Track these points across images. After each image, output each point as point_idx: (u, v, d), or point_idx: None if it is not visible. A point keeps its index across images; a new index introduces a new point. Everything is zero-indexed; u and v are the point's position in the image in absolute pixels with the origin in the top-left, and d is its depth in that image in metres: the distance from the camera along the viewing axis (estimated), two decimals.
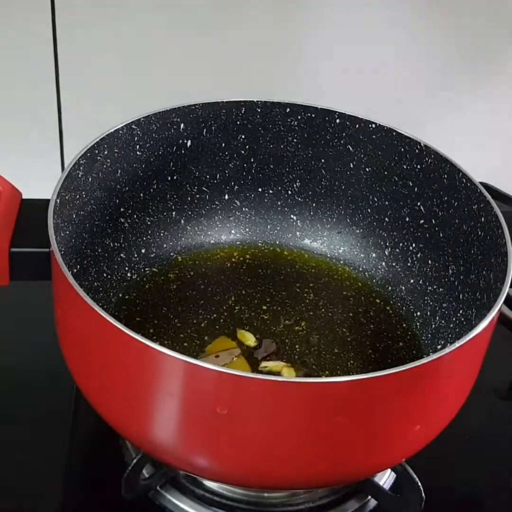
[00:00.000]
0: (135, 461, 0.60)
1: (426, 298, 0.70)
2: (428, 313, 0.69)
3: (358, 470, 0.57)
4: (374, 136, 0.70)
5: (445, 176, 0.66)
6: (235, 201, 0.75)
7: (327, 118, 0.70)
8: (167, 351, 0.48)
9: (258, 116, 0.71)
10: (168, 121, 0.69)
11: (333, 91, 0.86)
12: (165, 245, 0.74)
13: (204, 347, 0.66)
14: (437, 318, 0.68)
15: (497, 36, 0.85)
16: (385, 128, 0.69)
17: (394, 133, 0.69)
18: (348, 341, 0.68)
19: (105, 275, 0.69)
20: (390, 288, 0.73)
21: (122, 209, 0.70)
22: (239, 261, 0.75)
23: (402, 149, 0.68)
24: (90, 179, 0.64)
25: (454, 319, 0.65)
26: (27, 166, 0.84)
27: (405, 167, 0.69)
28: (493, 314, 0.53)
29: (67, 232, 0.62)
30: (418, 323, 0.70)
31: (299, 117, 0.71)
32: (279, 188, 0.75)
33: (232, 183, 0.74)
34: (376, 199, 0.72)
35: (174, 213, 0.74)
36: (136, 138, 0.67)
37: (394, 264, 0.73)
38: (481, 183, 0.63)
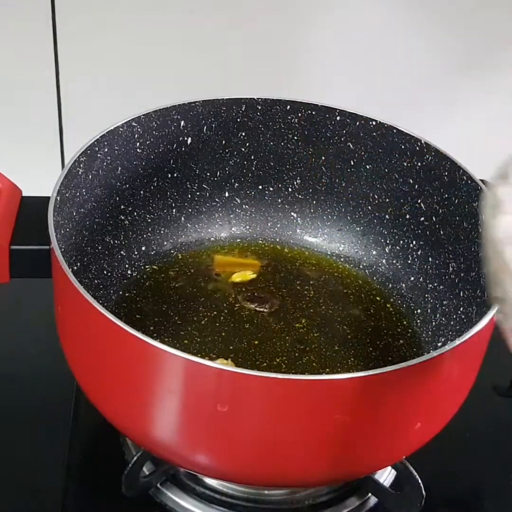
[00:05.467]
0: (135, 459, 0.60)
1: (426, 295, 0.70)
2: (429, 311, 0.69)
3: (358, 468, 0.57)
4: (374, 134, 0.69)
5: (446, 173, 0.66)
6: (235, 198, 0.75)
7: (327, 116, 0.70)
8: (168, 348, 0.48)
9: (258, 113, 0.71)
10: (168, 118, 0.69)
11: (333, 89, 0.86)
12: (165, 243, 0.74)
13: (204, 345, 0.66)
14: (438, 315, 0.68)
15: (498, 35, 0.85)
16: (386, 125, 0.69)
17: (394, 131, 0.68)
18: (349, 338, 0.68)
19: (105, 272, 0.69)
20: (390, 285, 0.73)
21: (122, 207, 0.70)
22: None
23: (403, 147, 0.68)
24: (90, 176, 0.64)
25: (454, 316, 0.65)
26: (27, 164, 0.84)
27: (405, 164, 0.69)
28: (493, 311, 0.53)
29: (67, 230, 0.62)
30: (418, 321, 0.70)
31: (299, 114, 0.71)
32: (280, 185, 0.75)
33: (233, 180, 0.74)
34: (376, 197, 0.72)
35: (174, 210, 0.74)
36: (136, 136, 0.67)
37: (394, 261, 0.73)
38: (482, 180, 0.63)
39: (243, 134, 0.72)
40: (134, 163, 0.68)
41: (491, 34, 0.85)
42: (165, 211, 0.73)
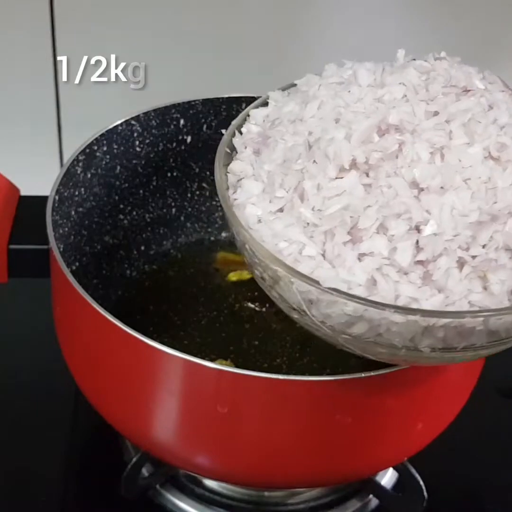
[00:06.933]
0: (134, 460, 0.60)
1: None
2: None
3: (359, 469, 0.57)
4: None
5: None
6: None
7: None
8: (167, 349, 0.48)
9: None
10: (168, 117, 0.68)
11: None
12: (164, 242, 0.74)
13: (204, 345, 0.66)
14: None
15: (498, 34, 0.85)
16: None
17: None
18: None
19: (104, 272, 0.69)
20: None
21: (121, 206, 0.69)
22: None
23: None
24: (89, 175, 0.64)
25: None
26: (26, 163, 0.84)
27: None
28: None
29: (66, 229, 0.62)
30: None
31: None
32: None
33: None
34: None
35: (174, 210, 0.74)
36: (135, 134, 0.67)
37: None
38: None
39: None
40: (133, 162, 0.68)
41: (493, 34, 0.85)
42: (164, 210, 0.73)
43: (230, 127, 0.51)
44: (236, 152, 0.50)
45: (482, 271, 0.41)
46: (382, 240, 0.42)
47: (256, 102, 0.52)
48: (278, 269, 0.43)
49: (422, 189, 0.43)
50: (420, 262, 0.41)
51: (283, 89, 0.52)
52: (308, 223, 0.43)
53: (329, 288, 0.41)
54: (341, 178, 0.43)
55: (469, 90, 0.46)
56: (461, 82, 0.46)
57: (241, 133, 0.50)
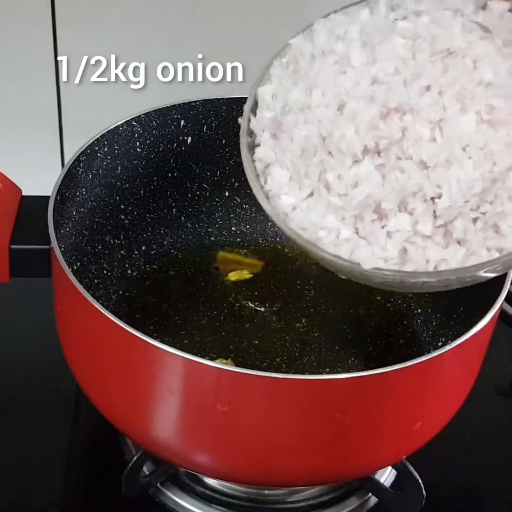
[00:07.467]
0: (135, 459, 0.60)
1: (426, 295, 0.70)
2: (429, 310, 0.69)
3: (358, 467, 0.57)
4: None
5: None
6: (235, 198, 0.75)
7: None
8: (168, 348, 0.48)
9: None
10: (169, 117, 0.69)
11: None
12: (165, 242, 0.74)
13: (204, 345, 0.66)
14: (438, 315, 0.68)
15: None
16: None
17: None
18: (349, 338, 0.68)
19: (105, 272, 0.69)
20: None
21: (122, 206, 0.70)
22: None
23: None
24: (90, 175, 0.64)
25: (454, 316, 0.65)
26: (27, 163, 0.84)
27: None
28: (493, 311, 0.53)
29: (67, 229, 0.62)
30: (418, 320, 0.69)
31: None
32: None
33: (233, 180, 0.74)
34: None
35: (174, 210, 0.74)
36: (136, 135, 0.67)
37: None
38: None
39: None
40: (134, 162, 0.68)
41: None
42: (165, 210, 0.73)
43: (244, 113, 0.53)
44: (255, 136, 0.53)
45: (493, 221, 0.47)
46: (405, 216, 0.47)
47: (258, 77, 0.54)
48: (323, 255, 0.49)
49: (429, 166, 0.47)
50: (439, 225, 0.47)
51: (280, 57, 0.54)
52: (337, 207, 0.48)
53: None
54: (357, 162, 0.48)
55: (452, 52, 0.48)
56: (444, 45, 0.49)
57: (255, 115, 0.52)
